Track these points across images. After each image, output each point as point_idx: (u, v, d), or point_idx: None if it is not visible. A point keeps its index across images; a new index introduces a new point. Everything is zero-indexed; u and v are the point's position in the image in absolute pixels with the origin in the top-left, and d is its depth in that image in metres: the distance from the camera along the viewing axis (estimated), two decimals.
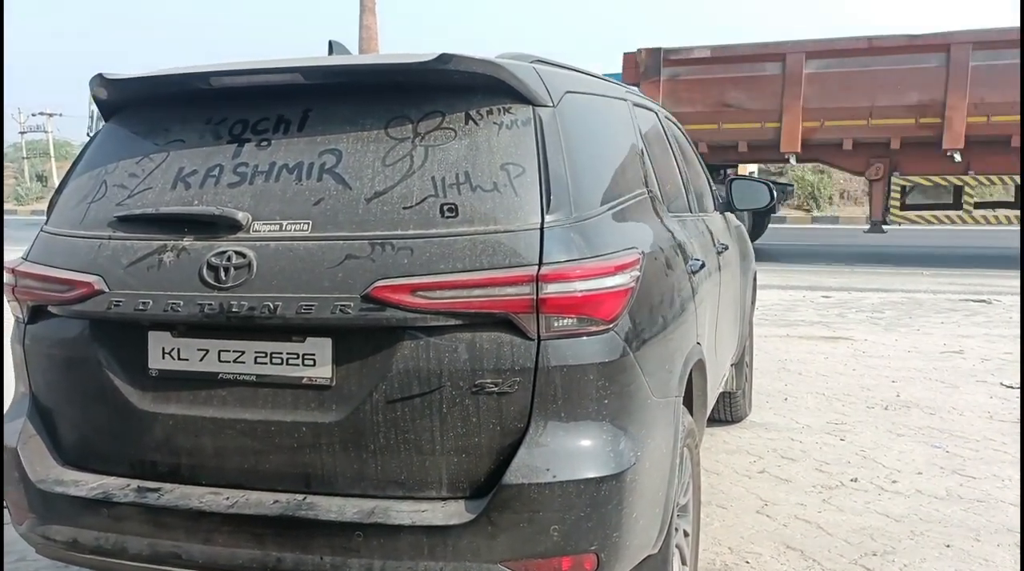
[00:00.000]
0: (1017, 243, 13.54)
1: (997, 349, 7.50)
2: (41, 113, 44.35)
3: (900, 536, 3.67)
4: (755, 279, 5.47)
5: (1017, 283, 11.67)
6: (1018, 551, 3.51)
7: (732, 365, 4.72)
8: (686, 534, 2.91)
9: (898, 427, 5.25)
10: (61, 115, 44.65)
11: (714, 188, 4.73)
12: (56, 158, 41.09)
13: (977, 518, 3.85)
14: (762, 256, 6.57)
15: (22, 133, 44.98)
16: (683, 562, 2.86)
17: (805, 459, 4.69)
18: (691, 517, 2.96)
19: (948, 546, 3.57)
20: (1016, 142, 13.10)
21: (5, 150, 46.58)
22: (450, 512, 2.11)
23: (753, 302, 5.46)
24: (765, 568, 3.40)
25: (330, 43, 2.96)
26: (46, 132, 44.15)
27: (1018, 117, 12.70)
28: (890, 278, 12.54)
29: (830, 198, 26.29)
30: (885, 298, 10.61)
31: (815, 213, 25.56)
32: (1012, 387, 6.16)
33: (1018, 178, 13.96)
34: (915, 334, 8.25)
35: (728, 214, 4.79)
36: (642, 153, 3.07)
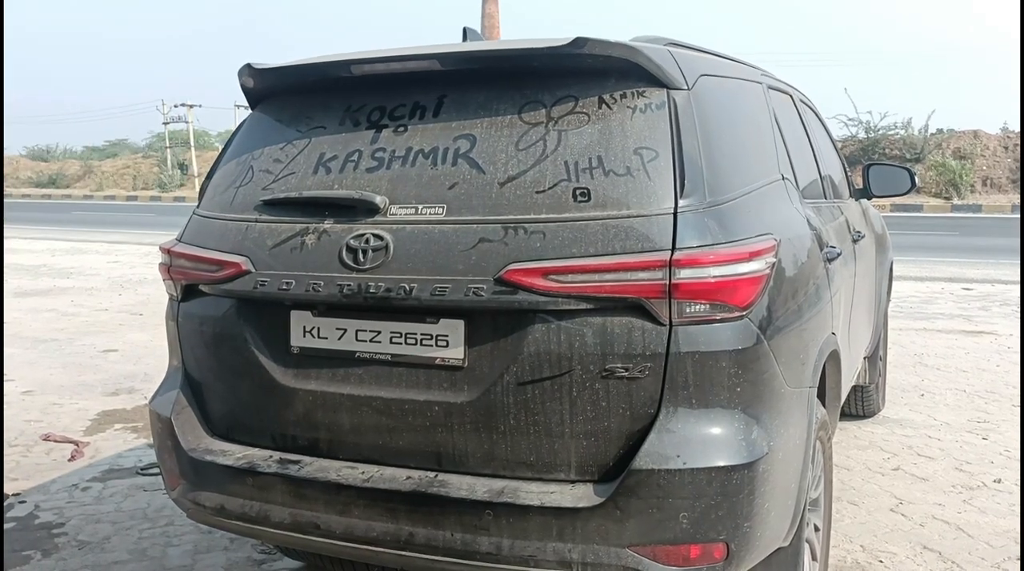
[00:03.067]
0: None
1: None
2: (183, 104, 46.74)
3: None
4: (891, 269, 5.24)
5: None
6: None
7: (865, 358, 4.54)
8: (817, 529, 2.84)
9: None
10: (201, 106, 46.90)
11: (849, 174, 4.55)
12: (196, 147, 43.25)
13: None
14: (897, 246, 6.27)
15: (165, 123, 47.50)
16: (813, 557, 2.79)
17: (944, 458, 4.48)
18: (822, 512, 2.88)
19: None
20: None
21: (150, 141, 49.35)
22: (579, 495, 2.12)
23: (889, 293, 5.24)
24: (900, 568, 3.27)
25: (464, 30, 3.00)
26: (187, 122, 46.48)
27: None
28: None
29: (972, 186, 24.84)
30: None
31: (955, 201, 24.21)
32: None
33: None
34: (1019, 322, 7.72)
35: (864, 201, 4.61)
36: (777, 137, 2.98)
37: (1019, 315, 7.98)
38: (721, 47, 3.06)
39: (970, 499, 3.92)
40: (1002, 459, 4.43)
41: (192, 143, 44.02)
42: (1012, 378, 6.05)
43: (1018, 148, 25.50)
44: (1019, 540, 3.48)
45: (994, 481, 4.13)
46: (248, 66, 2.59)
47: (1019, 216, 12.70)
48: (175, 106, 47.19)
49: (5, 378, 6.21)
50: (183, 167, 42.44)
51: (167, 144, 45.33)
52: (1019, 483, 4.09)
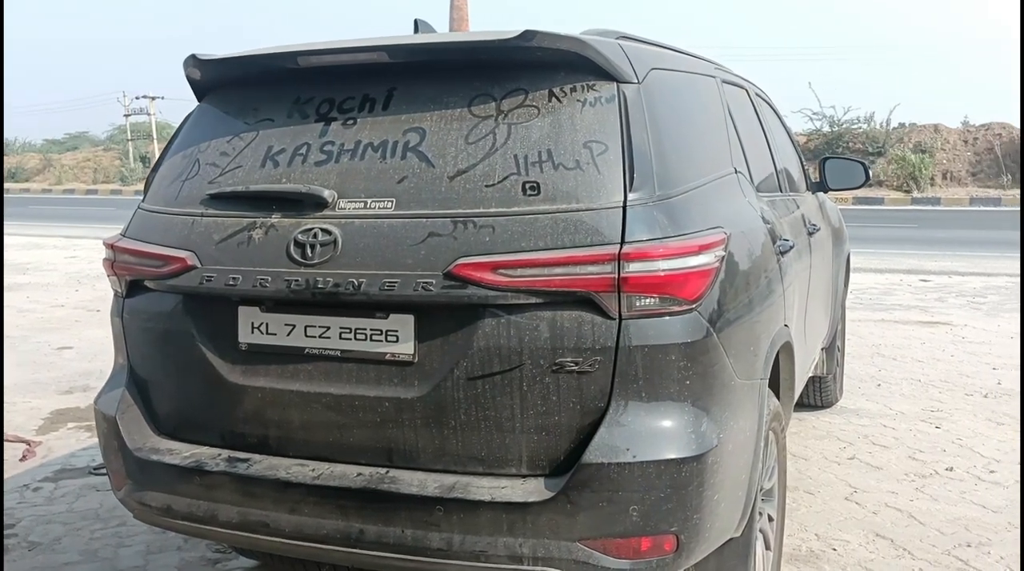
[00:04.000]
0: None
1: None
2: (144, 96, 46.06)
3: (997, 527, 3.53)
4: (848, 261, 5.30)
5: None
6: None
7: (823, 349, 4.59)
8: (770, 519, 2.86)
9: (998, 416, 5.03)
10: (163, 98, 46.28)
11: (806, 167, 4.59)
12: (158, 139, 42.65)
13: None
14: (857, 239, 6.36)
15: (126, 115, 46.83)
16: (767, 547, 2.81)
17: (898, 446, 4.55)
18: (776, 502, 2.91)
19: None
20: None
21: (111, 133, 48.60)
22: (529, 489, 2.12)
23: (846, 285, 5.30)
24: (853, 556, 3.31)
25: (415, 22, 2.97)
26: (148, 115, 45.84)
27: None
28: (994, 262, 11.97)
29: (932, 179, 25.22)
30: (988, 282, 10.16)
31: (915, 194, 24.57)
32: None
33: None
34: (1019, 320, 7.87)
35: (821, 194, 4.65)
36: (730, 131, 3.00)
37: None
38: (683, 42, 3.08)
39: (922, 487, 3.98)
40: (954, 447, 4.50)
41: (155, 135, 43.42)
42: (965, 368, 6.16)
43: (978, 141, 25.93)
44: (971, 528, 3.54)
45: (946, 469, 4.20)
46: (193, 57, 2.55)
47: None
48: (136, 98, 46.53)
49: None
50: (145, 160, 41.83)
51: (129, 137, 44.69)
52: (1020, 481, 4.14)
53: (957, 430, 4.79)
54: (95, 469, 4.30)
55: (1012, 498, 3.82)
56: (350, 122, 2.35)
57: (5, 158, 46.07)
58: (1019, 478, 4.06)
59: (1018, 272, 10.59)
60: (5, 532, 3.59)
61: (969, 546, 3.37)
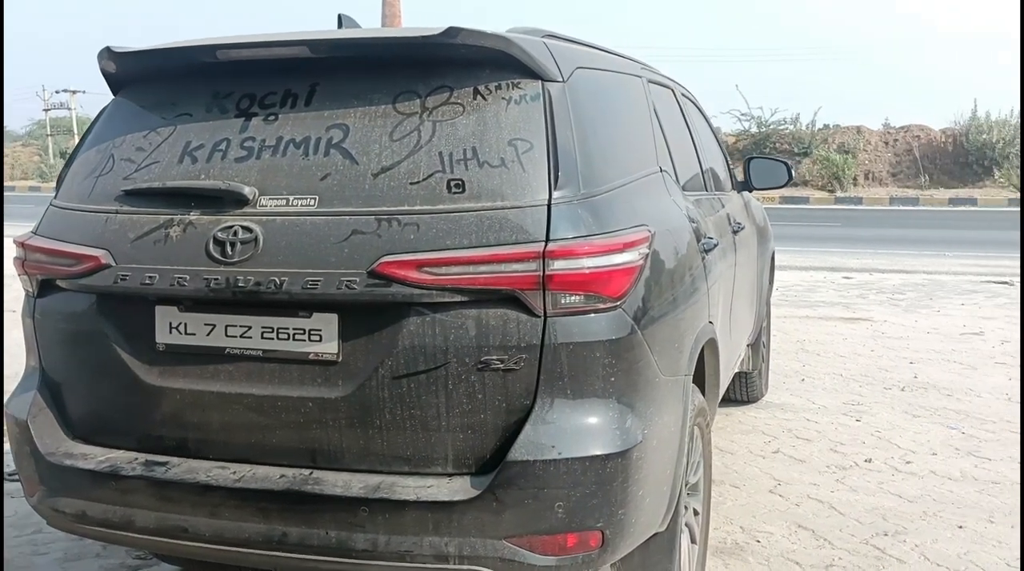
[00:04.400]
0: None
1: (1017, 331, 7.40)
2: (65, 90, 44.65)
3: (913, 516, 3.64)
4: (773, 259, 5.42)
5: None
6: None
7: (748, 345, 4.68)
8: (696, 513, 2.90)
9: (914, 408, 5.21)
10: (84, 92, 44.92)
11: (732, 167, 4.68)
12: (79, 134, 41.33)
13: (991, 499, 3.82)
14: (784, 237, 6.52)
15: (46, 110, 45.34)
16: (693, 540, 2.85)
17: (820, 439, 4.67)
18: (702, 496, 2.95)
19: (961, 527, 3.54)
20: None
21: (30, 128, 46.98)
22: (455, 488, 2.11)
23: (771, 282, 5.41)
24: (776, 547, 3.39)
25: (339, 16, 2.93)
26: (69, 109, 44.45)
27: None
28: (913, 260, 12.39)
29: (854, 179, 25.97)
30: (907, 279, 10.50)
31: (839, 194, 25.27)
32: None
33: None
34: (935, 315, 8.17)
35: (746, 193, 4.74)
36: (656, 130, 3.03)
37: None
38: (610, 42, 3.10)
39: (843, 478, 4.09)
40: (873, 439, 4.64)
41: (75, 131, 42.12)
42: (884, 362, 6.35)
43: (897, 143, 26.78)
44: (888, 517, 3.65)
45: (865, 461, 4.32)
46: (108, 49, 2.47)
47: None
48: (57, 92, 45.09)
49: None
50: (65, 156, 40.51)
51: (48, 132, 43.27)
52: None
53: (876, 423, 4.93)
54: (8, 475, 4.14)
55: (926, 487, 3.96)
56: (271, 118, 2.31)
57: None
58: (933, 470, 4.20)
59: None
60: None
61: (886, 535, 3.47)
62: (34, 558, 3.32)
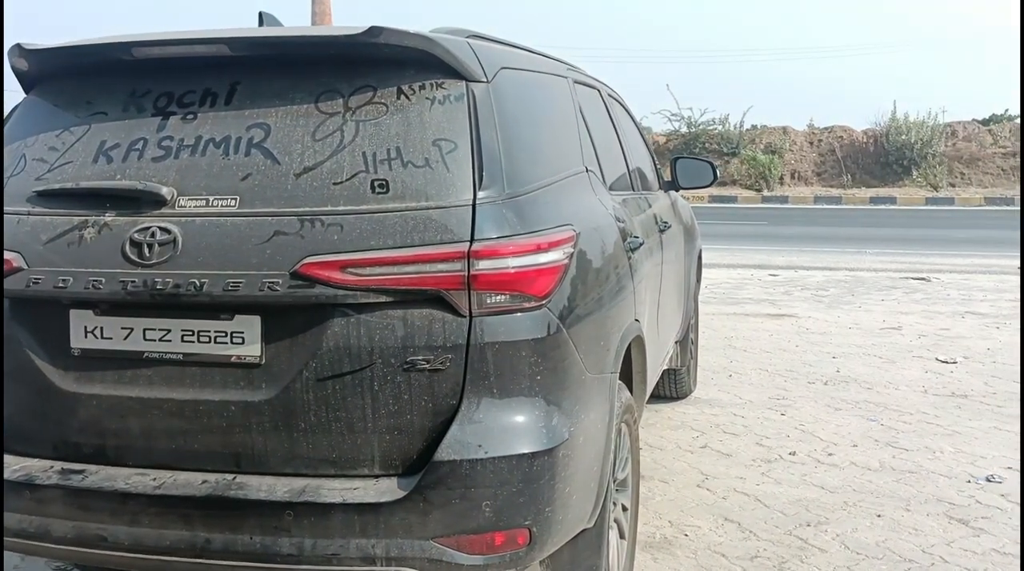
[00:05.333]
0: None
1: (934, 325, 7.69)
2: None
3: (834, 507, 3.75)
4: (700, 257, 5.52)
5: (955, 262, 11.98)
6: (947, 521, 3.61)
7: (676, 342, 4.76)
8: (624, 508, 2.94)
9: (836, 401, 5.36)
10: None
11: (658, 167, 4.75)
12: None
13: (908, 489, 3.95)
14: (712, 235, 6.66)
15: None
16: (621, 536, 2.88)
17: (747, 434, 4.77)
18: (630, 492, 2.99)
19: (879, 516, 3.66)
20: None
21: None
22: (382, 489, 2.10)
23: (699, 280, 5.51)
24: (703, 540, 3.45)
25: (260, 14, 2.89)
26: None
27: None
28: (835, 257, 12.76)
29: (780, 178, 26.61)
30: (830, 276, 10.80)
31: (765, 193, 25.86)
32: (947, 362, 6.33)
33: None
34: (857, 311, 8.42)
35: (673, 193, 4.82)
36: (582, 131, 3.06)
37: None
38: (538, 43, 3.11)
39: (768, 472, 4.19)
40: (797, 433, 4.76)
41: None
42: (809, 357, 6.52)
43: (822, 143, 27.51)
44: (810, 508, 3.75)
45: (789, 454, 4.43)
46: (19, 46, 2.39)
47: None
48: None
49: None
50: None
51: None
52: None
53: (800, 416, 5.06)
54: None
55: (847, 478, 4.08)
56: (190, 117, 2.27)
57: None
58: (853, 461, 4.33)
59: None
60: None
61: (809, 525, 3.57)
62: None
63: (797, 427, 4.86)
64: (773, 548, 3.37)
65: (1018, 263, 10.76)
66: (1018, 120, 26.42)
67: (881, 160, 26.43)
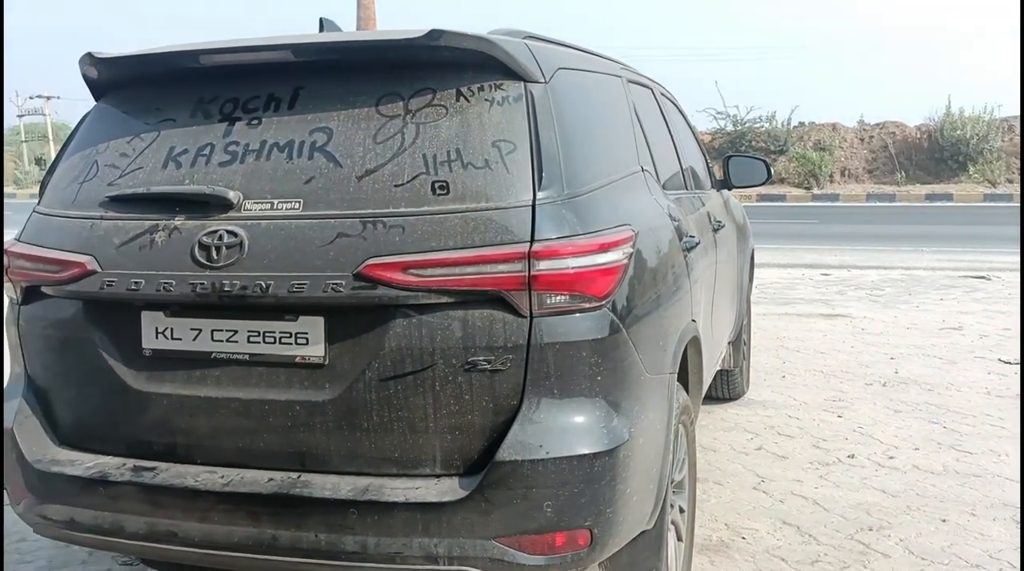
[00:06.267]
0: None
1: (995, 325, 7.50)
2: (39, 96, 44.28)
3: (896, 511, 3.68)
4: (753, 257, 5.46)
5: (1016, 260, 11.68)
6: (1015, 526, 3.52)
7: (729, 343, 4.72)
8: (682, 510, 2.92)
9: (896, 404, 5.26)
10: (59, 98, 44.56)
11: (711, 165, 4.71)
12: (55, 141, 41.03)
13: (973, 493, 3.87)
14: (761, 235, 6.57)
15: (20, 116, 44.90)
16: (679, 538, 2.87)
17: (802, 436, 4.70)
18: (687, 494, 2.97)
19: (944, 521, 3.58)
20: None
21: (5, 134, 46.54)
22: (444, 489, 2.12)
23: (751, 280, 5.46)
24: (761, 543, 3.41)
25: (320, 20, 2.94)
26: (44, 115, 44.05)
27: None
28: (890, 256, 12.52)
29: (830, 176, 26.20)
30: (885, 275, 10.61)
31: (815, 191, 25.49)
32: (1010, 363, 6.17)
33: None
34: (914, 311, 8.25)
35: (725, 191, 4.78)
36: (636, 130, 3.05)
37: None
38: (590, 43, 3.11)
39: (826, 474, 4.13)
40: (855, 435, 4.68)
41: (51, 137, 41.74)
42: (865, 358, 6.41)
43: (873, 139, 27.04)
44: (872, 512, 3.69)
45: (848, 456, 4.36)
46: (90, 55, 2.46)
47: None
48: (31, 98, 44.69)
49: None
50: (41, 162, 40.16)
51: (23, 138, 42.85)
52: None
53: (858, 418, 4.98)
54: None
55: (909, 482, 4.00)
56: (255, 122, 2.31)
57: None
58: (915, 465, 4.25)
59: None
60: None
61: (871, 530, 3.51)
62: (19, 567, 3.29)
63: (855, 429, 4.79)
64: (834, 553, 3.33)
65: None
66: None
67: (935, 156, 25.90)
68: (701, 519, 3.54)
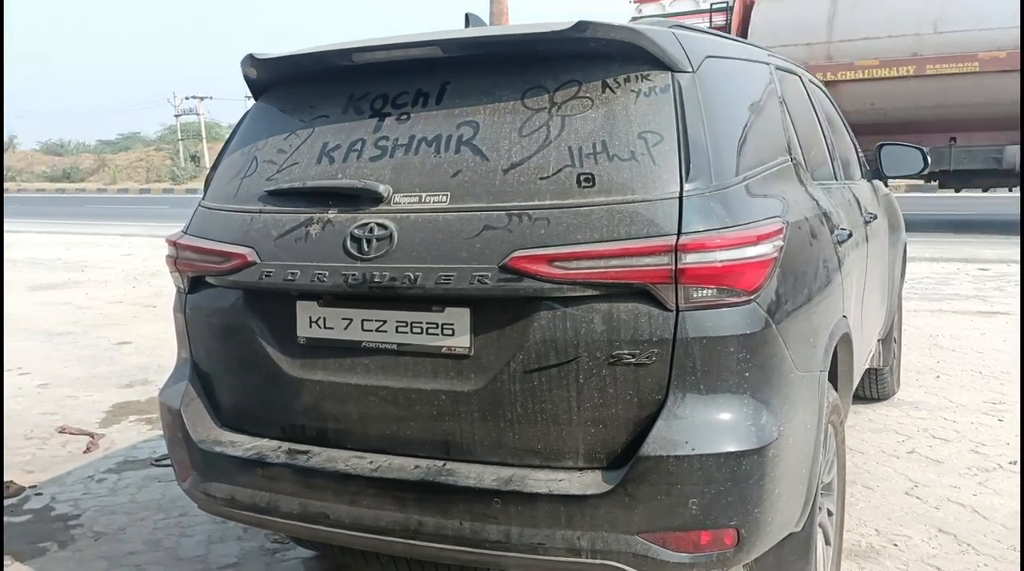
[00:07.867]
0: None
1: None
2: (193, 97, 46.98)
3: None
4: (905, 250, 5.19)
5: None
6: None
7: (879, 340, 4.51)
8: (830, 513, 2.82)
9: None
10: (212, 98, 47.18)
11: (861, 155, 4.50)
12: (207, 139, 43.42)
13: None
14: (912, 226, 6.23)
15: (177, 116, 47.76)
16: (827, 542, 2.77)
17: (959, 440, 4.45)
18: (835, 496, 2.86)
19: None
20: None
21: (162, 133, 49.59)
22: (587, 482, 2.12)
23: (903, 274, 5.19)
24: (915, 551, 3.25)
25: (466, 16, 2.98)
26: (198, 115, 46.68)
27: None
28: None
29: None
30: None
31: None
32: None
33: None
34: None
35: (876, 182, 4.56)
36: (784, 119, 2.95)
37: (1020, 307, 7.87)
38: None
39: (986, 481, 3.89)
40: (1018, 441, 4.39)
41: (204, 135, 44.22)
42: None
43: None
44: None
45: (1010, 463, 4.09)
46: (251, 56, 2.58)
47: (1020, 206, 12.54)
48: (186, 98, 47.55)
49: (22, 371, 6.26)
50: (195, 159, 42.64)
51: (179, 136, 45.61)
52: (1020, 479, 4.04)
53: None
54: (156, 461, 4.40)
55: None
56: (404, 117, 2.37)
57: (61, 159, 47.29)
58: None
59: None
60: (71, 523, 3.69)
61: None
62: (181, 539, 3.51)
63: (1018, 435, 4.48)
64: (995, 564, 3.13)
65: None
66: None
67: None
68: (850, 523, 3.40)
